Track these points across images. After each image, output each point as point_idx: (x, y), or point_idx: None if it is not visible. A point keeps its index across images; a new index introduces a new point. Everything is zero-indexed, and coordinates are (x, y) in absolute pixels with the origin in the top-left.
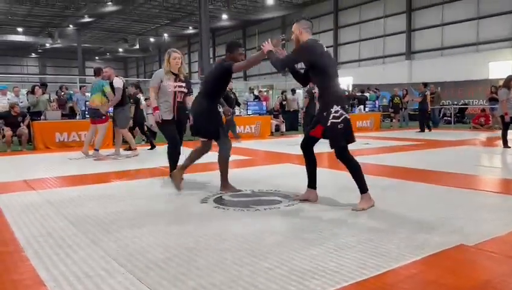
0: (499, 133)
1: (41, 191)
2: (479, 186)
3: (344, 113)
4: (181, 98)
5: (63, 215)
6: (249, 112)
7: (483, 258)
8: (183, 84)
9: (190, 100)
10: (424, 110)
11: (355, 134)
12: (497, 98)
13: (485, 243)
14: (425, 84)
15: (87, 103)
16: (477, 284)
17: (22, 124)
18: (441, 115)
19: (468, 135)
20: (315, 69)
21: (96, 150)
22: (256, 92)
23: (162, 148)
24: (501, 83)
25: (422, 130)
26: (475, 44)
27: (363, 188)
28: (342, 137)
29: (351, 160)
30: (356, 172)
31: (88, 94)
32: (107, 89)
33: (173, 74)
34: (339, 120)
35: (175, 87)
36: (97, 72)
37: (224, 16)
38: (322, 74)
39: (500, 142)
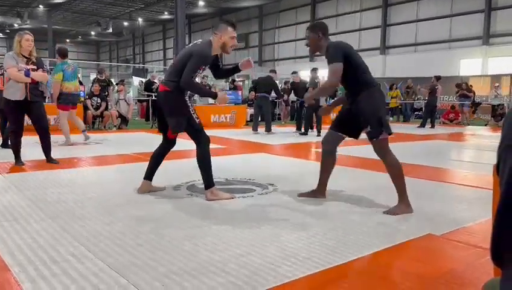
0: (468, 128)
1: (7, 175)
2: (448, 179)
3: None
4: (34, 81)
5: (30, 199)
6: None
7: (449, 247)
8: (35, 67)
9: (42, 77)
10: (432, 105)
11: (326, 126)
12: (466, 95)
13: (452, 233)
14: (439, 78)
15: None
16: (443, 271)
17: None
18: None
19: (438, 130)
20: None
21: (85, 131)
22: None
23: (137, 135)
24: (471, 80)
25: (422, 126)
26: (447, 41)
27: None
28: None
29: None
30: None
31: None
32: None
33: (24, 56)
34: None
35: (28, 69)
36: (67, 53)
37: (201, 3)
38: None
39: (469, 137)
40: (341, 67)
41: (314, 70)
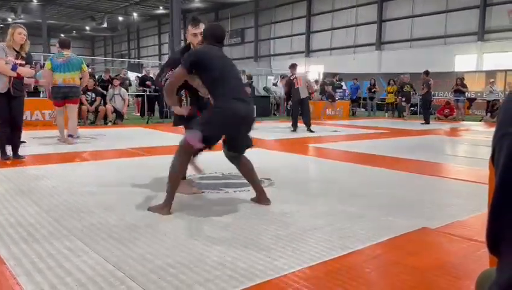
0: (463, 124)
1: (2, 169)
2: (442, 173)
3: None
4: (20, 76)
5: (25, 193)
6: None
7: (444, 241)
8: (24, 62)
9: (28, 73)
10: (429, 101)
11: (326, 121)
12: (462, 90)
13: (447, 227)
14: (427, 73)
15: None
16: (438, 264)
17: None
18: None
19: (433, 125)
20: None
21: (71, 135)
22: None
23: (132, 130)
24: (466, 76)
25: (427, 122)
26: (443, 37)
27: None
28: None
29: None
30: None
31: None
32: (85, 67)
33: (15, 50)
34: None
35: (16, 64)
36: (68, 45)
37: None
38: None
39: (464, 132)
40: (182, 72)
41: (292, 66)
